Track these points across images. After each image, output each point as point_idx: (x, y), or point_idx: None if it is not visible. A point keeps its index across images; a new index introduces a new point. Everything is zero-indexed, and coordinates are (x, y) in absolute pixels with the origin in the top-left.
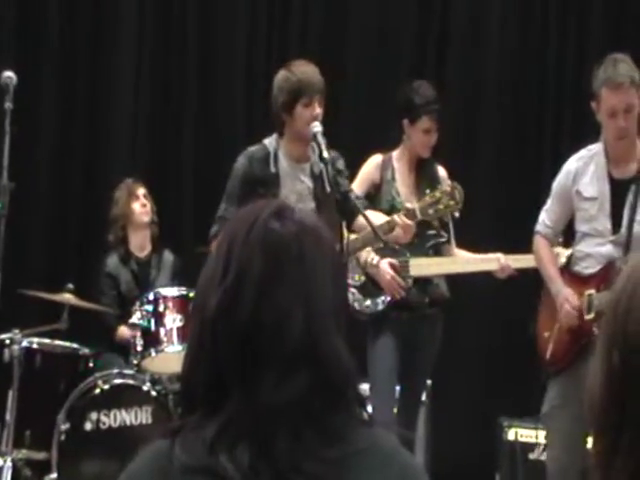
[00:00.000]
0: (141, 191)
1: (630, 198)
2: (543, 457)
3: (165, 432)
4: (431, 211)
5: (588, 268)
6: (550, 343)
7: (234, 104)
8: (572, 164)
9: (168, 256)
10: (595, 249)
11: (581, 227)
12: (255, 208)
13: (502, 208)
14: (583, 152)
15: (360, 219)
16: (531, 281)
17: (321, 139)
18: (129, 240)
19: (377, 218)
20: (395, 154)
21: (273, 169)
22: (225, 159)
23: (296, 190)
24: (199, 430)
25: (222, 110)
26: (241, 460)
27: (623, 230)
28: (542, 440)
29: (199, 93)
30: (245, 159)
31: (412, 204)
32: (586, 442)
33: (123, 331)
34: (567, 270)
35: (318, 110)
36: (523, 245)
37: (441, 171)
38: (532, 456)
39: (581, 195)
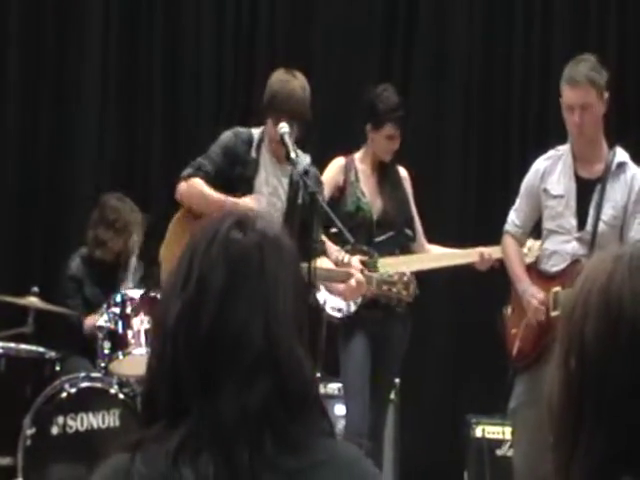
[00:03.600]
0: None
1: (596, 197)
2: (510, 453)
3: (126, 446)
4: (385, 287)
5: (554, 266)
6: (517, 340)
7: (201, 110)
8: (540, 163)
9: (133, 261)
10: (561, 246)
11: (547, 224)
12: (217, 219)
13: (469, 211)
14: (551, 152)
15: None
16: (498, 278)
17: (288, 140)
18: (104, 246)
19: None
20: (357, 156)
21: (254, 154)
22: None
23: (271, 183)
24: (161, 442)
25: (188, 115)
26: (205, 472)
27: (588, 227)
28: (509, 437)
29: (164, 109)
30: (232, 134)
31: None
32: None
33: (91, 319)
34: (534, 268)
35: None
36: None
37: (402, 171)
38: (499, 452)
39: (548, 193)
